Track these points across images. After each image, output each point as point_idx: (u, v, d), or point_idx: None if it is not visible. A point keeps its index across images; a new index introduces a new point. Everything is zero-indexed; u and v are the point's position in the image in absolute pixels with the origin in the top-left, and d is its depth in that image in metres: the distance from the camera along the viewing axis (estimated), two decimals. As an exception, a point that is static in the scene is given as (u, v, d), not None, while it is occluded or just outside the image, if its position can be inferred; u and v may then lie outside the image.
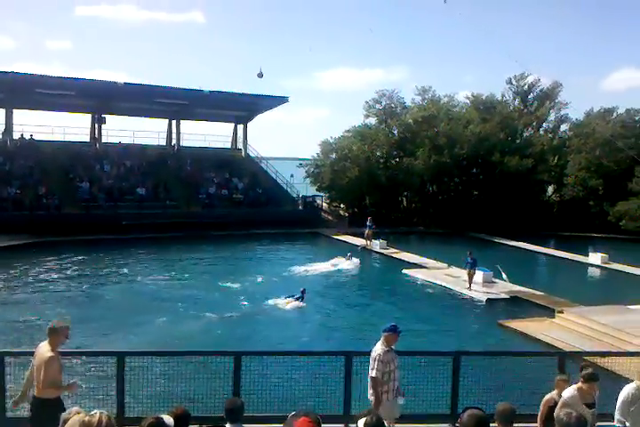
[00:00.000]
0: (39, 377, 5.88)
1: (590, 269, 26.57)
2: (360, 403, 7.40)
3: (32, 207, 30.48)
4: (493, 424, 4.41)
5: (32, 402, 6.05)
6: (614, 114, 41.00)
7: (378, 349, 6.87)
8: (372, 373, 6.82)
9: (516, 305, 19.02)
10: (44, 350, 6.01)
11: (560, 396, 6.39)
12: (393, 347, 6.96)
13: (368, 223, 31.07)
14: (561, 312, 16.99)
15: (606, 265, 26.18)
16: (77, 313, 16.28)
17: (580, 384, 6.31)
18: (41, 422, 5.78)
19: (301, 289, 18.57)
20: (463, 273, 22.61)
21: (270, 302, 18.46)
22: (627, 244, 33.20)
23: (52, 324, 6.17)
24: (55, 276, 21.84)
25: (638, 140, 37.02)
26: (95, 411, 3.39)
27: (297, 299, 18.29)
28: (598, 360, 11.55)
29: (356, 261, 25.90)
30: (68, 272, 22.60)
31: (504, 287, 20.93)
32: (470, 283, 20.75)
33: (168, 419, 4.09)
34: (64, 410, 5.04)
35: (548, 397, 6.60)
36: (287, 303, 18.19)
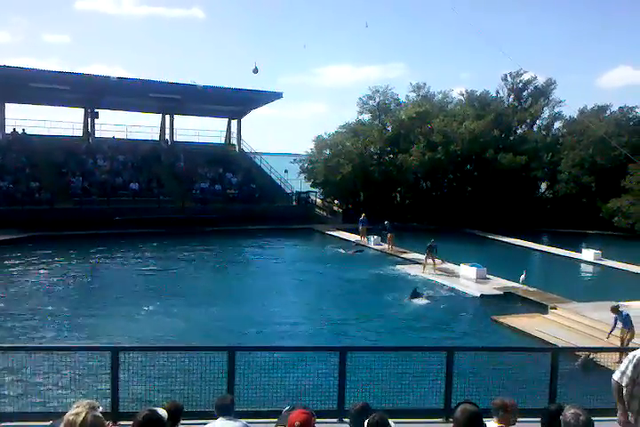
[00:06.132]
0: None
1: (583, 266, 26.68)
2: (353, 399, 7.35)
3: (24, 202, 30.31)
4: (487, 419, 4.42)
5: None
6: (608, 111, 41.10)
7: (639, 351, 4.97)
8: (616, 374, 4.93)
9: (510, 301, 19.08)
10: None
11: None
12: None
13: (361, 219, 31.14)
14: (554, 308, 17.06)
15: (599, 261, 26.28)
16: (70, 307, 16.26)
17: None
18: None
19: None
20: (457, 268, 22.85)
21: None
22: (619, 240, 33.33)
23: None
24: (46, 270, 21.73)
25: (632, 137, 37.09)
26: (80, 409, 3.05)
27: None
28: (591, 356, 11.63)
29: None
30: (59, 266, 22.49)
31: (497, 284, 20.97)
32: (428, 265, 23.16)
33: (162, 412, 4.06)
34: None
35: None
36: None
